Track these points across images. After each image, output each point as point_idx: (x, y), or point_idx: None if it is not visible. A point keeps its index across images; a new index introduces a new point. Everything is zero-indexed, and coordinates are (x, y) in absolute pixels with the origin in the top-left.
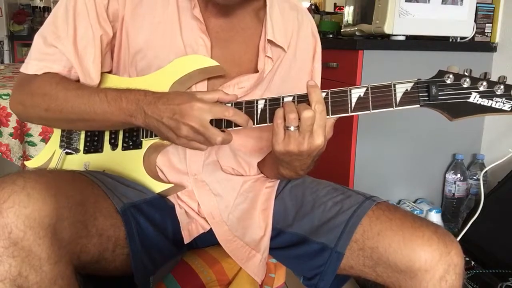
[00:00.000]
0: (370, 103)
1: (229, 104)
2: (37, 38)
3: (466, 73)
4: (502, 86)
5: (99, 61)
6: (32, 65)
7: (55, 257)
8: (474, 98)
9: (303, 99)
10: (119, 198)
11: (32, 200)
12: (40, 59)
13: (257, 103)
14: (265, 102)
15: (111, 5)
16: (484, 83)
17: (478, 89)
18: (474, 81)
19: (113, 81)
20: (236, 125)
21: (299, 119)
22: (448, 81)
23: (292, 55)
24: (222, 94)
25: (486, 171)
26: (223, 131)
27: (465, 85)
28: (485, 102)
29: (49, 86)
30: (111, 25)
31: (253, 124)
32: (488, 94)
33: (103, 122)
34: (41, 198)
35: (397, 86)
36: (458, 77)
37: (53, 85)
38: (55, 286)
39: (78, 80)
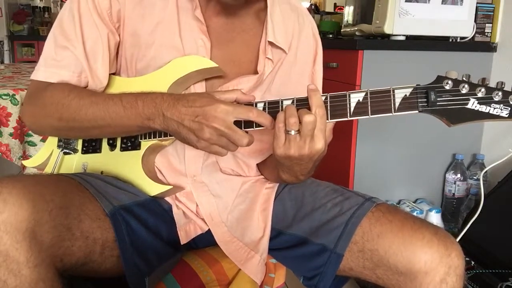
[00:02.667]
0: (369, 108)
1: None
2: (48, 43)
3: (464, 79)
4: (500, 93)
5: (107, 61)
6: (41, 71)
7: (34, 260)
8: (472, 104)
9: (302, 103)
10: (109, 200)
11: (8, 205)
12: (49, 65)
13: (256, 106)
14: (264, 105)
15: (114, 6)
16: (482, 89)
17: (477, 95)
18: (473, 87)
19: (111, 81)
20: (258, 126)
21: (300, 123)
22: (447, 87)
23: (293, 57)
24: (240, 94)
25: (486, 171)
26: (245, 132)
27: (464, 91)
28: (483, 108)
29: (61, 94)
30: (116, 26)
31: (253, 127)
32: (486, 100)
33: (119, 127)
34: (18, 203)
35: (396, 91)
36: (456, 83)
37: (66, 93)
38: None
39: (87, 86)
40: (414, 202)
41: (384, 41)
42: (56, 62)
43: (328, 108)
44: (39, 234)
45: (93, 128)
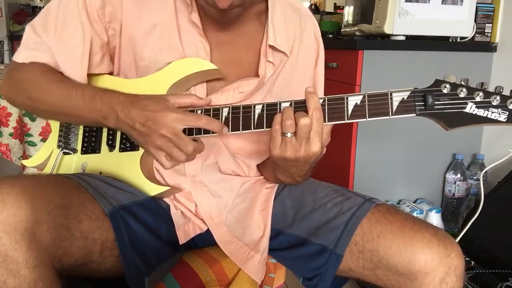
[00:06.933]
0: (367, 111)
1: (226, 108)
2: (28, 28)
3: (463, 83)
4: (498, 97)
5: (87, 61)
6: (22, 53)
7: (33, 260)
8: (470, 108)
9: (300, 105)
10: (108, 201)
11: (6, 205)
12: (30, 48)
13: (254, 108)
14: (262, 107)
15: (107, 8)
16: (481, 94)
17: (475, 99)
18: (471, 91)
19: (110, 82)
20: (256, 128)
21: (296, 125)
22: (445, 91)
23: (294, 60)
24: (195, 99)
25: (486, 171)
26: (195, 140)
27: (462, 95)
28: (481, 112)
29: (34, 74)
30: (106, 27)
31: (252, 129)
32: (484, 104)
33: (79, 118)
34: (16, 203)
35: (393, 94)
36: (454, 86)
37: (38, 73)
38: None
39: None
40: (414, 202)
41: (384, 41)
42: (36, 45)
43: (326, 110)
44: (38, 234)
45: (57, 114)
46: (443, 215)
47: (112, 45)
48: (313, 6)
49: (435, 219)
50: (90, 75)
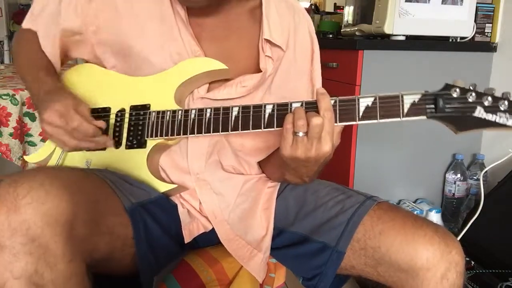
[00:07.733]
0: (378, 113)
1: (236, 107)
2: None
3: (471, 87)
4: (506, 102)
5: (58, 43)
6: (26, 20)
7: (69, 255)
8: (479, 112)
9: (311, 106)
10: (127, 197)
11: (50, 196)
12: (34, 15)
13: (265, 107)
14: (273, 107)
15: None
16: (489, 98)
17: (483, 103)
18: (479, 95)
19: (119, 80)
20: (266, 127)
21: (308, 125)
22: (454, 95)
23: (291, 55)
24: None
25: (486, 171)
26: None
27: (471, 99)
28: (489, 116)
29: (23, 42)
30: (97, 17)
31: (262, 128)
32: (493, 109)
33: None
34: (59, 195)
35: (405, 97)
36: (463, 91)
37: (24, 42)
38: (69, 284)
39: None
40: (414, 202)
41: (384, 41)
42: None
43: (337, 111)
44: (75, 228)
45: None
46: (443, 215)
47: (101, 36)
48: (313, 6)
49: (435, 219)
50: (102, 76)
